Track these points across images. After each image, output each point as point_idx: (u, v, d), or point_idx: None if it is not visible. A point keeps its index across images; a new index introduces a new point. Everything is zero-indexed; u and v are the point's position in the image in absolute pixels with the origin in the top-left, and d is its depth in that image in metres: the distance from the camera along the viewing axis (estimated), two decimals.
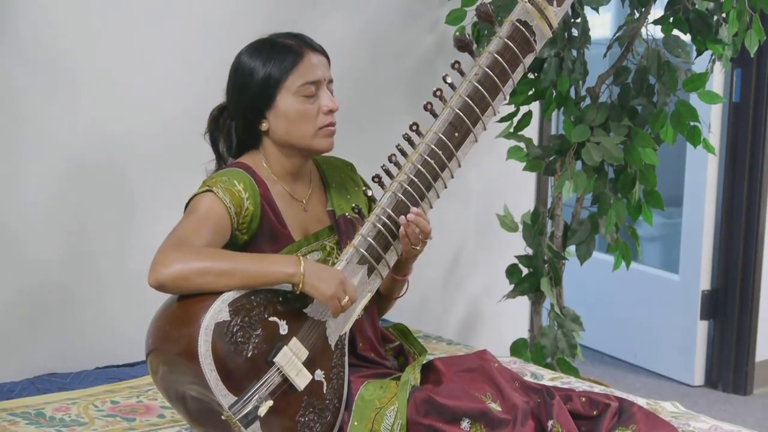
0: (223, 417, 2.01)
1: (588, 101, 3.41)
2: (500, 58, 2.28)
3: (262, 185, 2.26)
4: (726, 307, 4.43)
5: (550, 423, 2.18)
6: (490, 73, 2.28)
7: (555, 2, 2.33)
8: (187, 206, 2.22)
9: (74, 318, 3.01)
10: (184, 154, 3.08)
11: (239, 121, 2.30)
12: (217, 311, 2.01)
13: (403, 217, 2.23)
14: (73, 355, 2.96)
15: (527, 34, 2.30)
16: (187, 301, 2.05)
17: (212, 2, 3.14)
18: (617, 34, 3.40)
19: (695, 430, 2.44)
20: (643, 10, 3.29)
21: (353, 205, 2.31)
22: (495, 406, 2.17)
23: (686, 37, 3.32)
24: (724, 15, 3.22)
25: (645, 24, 3.31)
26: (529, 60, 2.33)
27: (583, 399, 2.29)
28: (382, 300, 2.45)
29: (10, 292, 2.90)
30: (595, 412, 2.27)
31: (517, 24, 2.29)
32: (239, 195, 2.19)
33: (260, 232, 2.24)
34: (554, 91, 3.33)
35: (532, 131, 3.86)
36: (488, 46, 2.29)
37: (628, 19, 3.39)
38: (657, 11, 3.40)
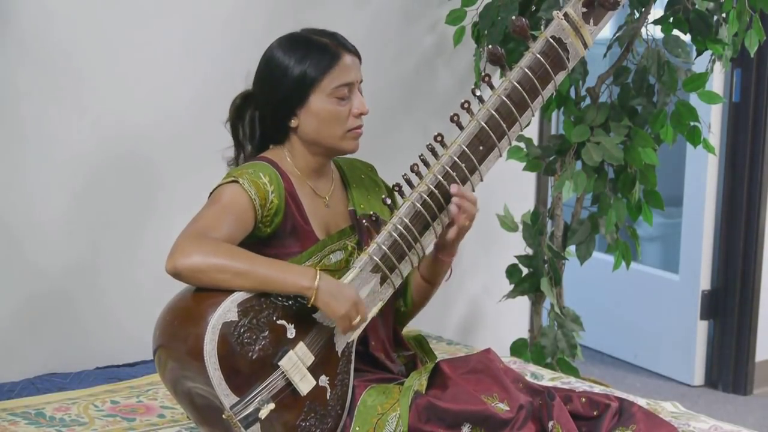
0: (224, 416, 2.01)
1: (588, 101, 3.41)
2: (531, 74, 2.25)
3: (286, 180, 2.25)
4: (726, 307, 4.43)
5: (550, 424, 2.17)
6: (520, 88, 2.25)
7: (592, 21, 2.27)
8: (211, 195, 2.20)
9: (74, 318, 3.00)
10: (190, 154, 3.10)
11: (268, 114, 2.29)
12: (226, 311, 2.01)
13: (454, 185, 2.23)
14: (73, 355, 2.96)
15: (560, 51, 2.26)
16: (197, 297, 2.05)
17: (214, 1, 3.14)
18: (617, 34, 3.40)
19: (695, 430, 2.44)
20: (643, 10, 3.29)
21: (371, 213, 2.29)
22: (503, 406, 2.17)
23: (686, 37, 3.32)
24: (724, 15, 3.22)
25: (645, 24, 3.31)
26: (560, 78, 2.28)
27: (584, 399, 2.29)
28: (426, 287, 2.45)
29: (10, 292, 2.90)
30: (595, 413, 2.26)
31: (551, 40, 2.25)
32: (264, 187, 2.17)
33: (284, 226, 2.22)
34: (554, 91, 3.33)
35: (532, 131, 3.87)
36: (520, 61, 2.26)
37: (628, 19, 3.39)
38: (657, 11, 3.40)
